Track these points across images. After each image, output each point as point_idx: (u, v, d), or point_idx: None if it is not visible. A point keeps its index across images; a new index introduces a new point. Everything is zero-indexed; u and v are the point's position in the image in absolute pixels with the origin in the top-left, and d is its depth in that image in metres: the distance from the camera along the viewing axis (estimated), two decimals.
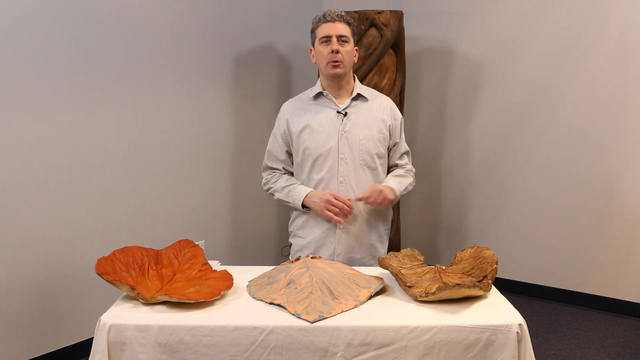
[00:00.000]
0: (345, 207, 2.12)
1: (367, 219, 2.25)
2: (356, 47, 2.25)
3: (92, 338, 1.61)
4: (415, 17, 3.93)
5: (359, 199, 2.15)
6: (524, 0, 3.60)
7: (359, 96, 2.25)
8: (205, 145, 3.42)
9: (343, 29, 2.17)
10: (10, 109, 2.56)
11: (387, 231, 2.36)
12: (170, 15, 3.14)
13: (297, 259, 1.91)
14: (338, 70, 2.17)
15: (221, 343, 1.55)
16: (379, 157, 2.25)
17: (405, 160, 2.37)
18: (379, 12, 3.31)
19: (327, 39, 2.16)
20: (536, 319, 3.46)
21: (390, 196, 2.16)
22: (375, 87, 3.35)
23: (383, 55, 3.34)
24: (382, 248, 2.34)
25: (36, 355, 2.76)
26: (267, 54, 3.75)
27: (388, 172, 2.35)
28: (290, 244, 2.38)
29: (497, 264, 1.75)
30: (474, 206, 3.96)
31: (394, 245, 3.55)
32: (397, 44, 3.38)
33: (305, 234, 2.28)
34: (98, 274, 1.70)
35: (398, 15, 3.35)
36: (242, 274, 1.92)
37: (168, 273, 1.85)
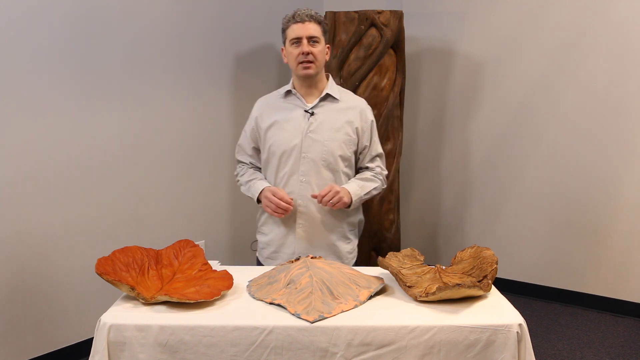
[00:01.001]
0: (281, 204, 2.11)
1: (322, 220, 2.24)
2: (328, 45, 2.24)
3: (92, 338, 1.61)
4: (415, 17, 3.93)
5: (314, 196, 2.14)
6: (524, 1, 3.60)
7: (328, 96, 2.23)
8: (205, 145, 3.42)
9: (313, 29, 2.15)
10: (10, 109, 2.56)
11: (353, 231, 2.35)
12: (170, 15, 3.14)
13: (297, 259, 1.91)
14: (310, 72, 2.17)
15: (221, 343, 1.55)
16: (343, 159, 2.22)
17: (377, 163, 2.34)
18: (379, 12, 3.31)
19: (297, 40, 2.15)
20: (536, 319, 3.46)
21: (345, 199, 2.15)
22: (375, 87, 3.36)
23: (383, 55, 3.34)
24: (348, 246, 2.32)
25: (36, 355, 2.76)
26: (267, 54, 3.75)
27: (357, 173, 2.33)
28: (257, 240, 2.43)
29: (497, 264, 1.75)
30: (474, 206, 3.96)
31: (394, 245, 3.55)
32: (397, 44, 3.38)
33: (267, 230, 2.32)
34: (98, 274, 1.70)
35: (398, 15, 3.35)
36: (242, 274, 1.92)
37: (168, 273, 1.85)
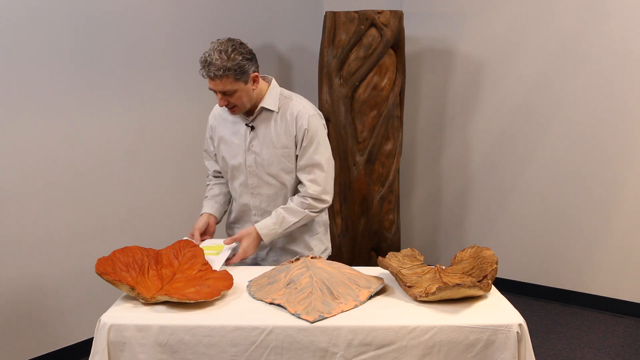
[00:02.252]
0: (193, 239, 2.15)
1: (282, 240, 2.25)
2: (254, 74, 2.04)
3: (92, 338, 1.61)
4: (415, 17, 3.93)
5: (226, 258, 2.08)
6: (524, 0, 3.60)
7: (263, 109, 2.13)
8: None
9: (225, 84, 1.98)
10: (9, 109, 2.56)
11: (316, 235, 2.30)
12: (170, 15, 3.14)
13: (297, 259, 1.90)
14: (236, 114, 2.11)
15: (221, 343, 1.55)
16: (286, 172, 2.14)
17: (312, 176, 2.12)
18: (379, 12, 3.31)
19: (214, 92, 2.05)
20: (536, 319, 3.46)
21: (252, 248, 2.10)
22: (375, 87, 3.36)
23: (383, 55, 3.34)
24: (319, 240, 2.30)
25: (36, 355, 2.76)
26: (267, 54, 3.75)
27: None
28: None
29: (497, 264, 1.75)
30: (474, 206, 3.96)
31: (394, 245, 3.55)
32: (397, 44, 3.38)
33: (233, 233, 2.32)
34: (98, 274, 1.70)
35: (398, 15, 3.35)
36: (242, 274, 1.92)
37: (168, 273, 1.85)
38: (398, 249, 3.50)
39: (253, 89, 2.07)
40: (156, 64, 3.10)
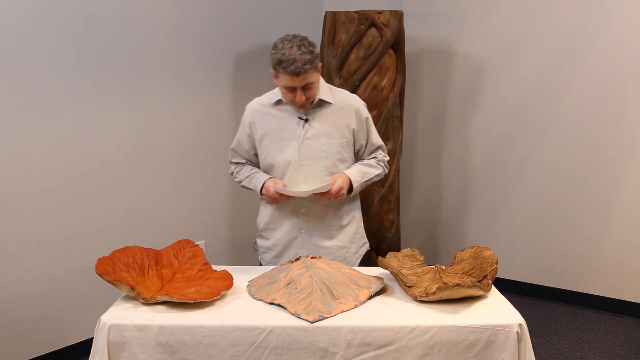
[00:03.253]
0: (275, 197, 2.11)
1: (324, 225, 2.23)
2: (318, 69, 2.09)
3: (92, 338, 1.61)
4: (415, 17, 3.93)
5: (316, 195, 2.11)
6: (524, 0, 3.60)
7: (321, 102, 2.17)
8: (205, 145, 3.42)
9: (308, 77, 2.00)
10: (10, 109, 2.56)
11: (352, 223, 2.32)
12: (170, 15, 3.14)
13: (297, 259, 1.91)
14: (305, 107, 2.14)
15: (221, 343, 1.55)
16: (342, 161, 2.20)
17: (378, 153, 2.32)
18: (379, 12, 3.31)
19: (291, 89, 2.05)
20: (536, 319, 3.46)
21: (344, 190, 2.12)
22: (375, 87, 3.36)
23: (383, 55, 3.34)
24: (352, 246, 2.31)
25: (36, 355, 2.76)
26: (267, 54, 3.73)
27: None
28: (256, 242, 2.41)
29: (497, 264, 1.75)
30: (474, 206, 3.96)
31: (394, 245, 3.55)
32: (397, 44, 3.38)
33: (268, 235, 2.30)
34: (98, 274, 1.70)
35: (398, 15, 3.35)
36: (242, 274, 1.92)
37: (168, 273, 1.85)
38: (398, 249, 3.50)
39: (319, 79, 2.14)
40: (157, 64, 3.10)
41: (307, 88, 2.05)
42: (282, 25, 3.80)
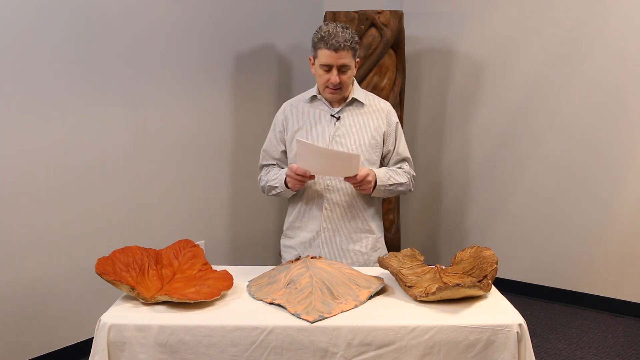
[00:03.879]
0: (298, 176, 2.06)
1: (347, 225, 2.20)
2: (357, 59, 2.17)
3: (92, 338, 1.61)
4: (415, 17, 3.93)
5: (347, 180, 2.09)
6: (524, 0, 3.60)
7: (354, 101, 2.21)
8: (205, 145, 3.42)
9: (346, 57, 2.06)
10: (10, 108, 2.56)
11: (377, 228, 2.31)
12: (170, 15, 3.14)
13: (297, 259, 1.91)
14: (336, 97, 2.16)
15: (221, 343, 1.55)
16: (370, 163, 2.19)
17: (404, 167, 2.28)
18: (379, 12, 3.31)
19: (327, 69, 2.09)
20: (536, 319, 3.46)
21: (370, 182, 2.10)
22: (375, 87, 3.35)
23: (383, 55, 3.34)
24: (375, 254, 2.29)
25: (36, 355, 2.76)
26: (267, 54, 3.75)
27: None
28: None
29: (497, 264, 1.75)
30: (474, 206, 3.96)
31: (394, 245, 3.55)
32: (397, 44, 3.38)
33: (292, 234, 2.29)
34: (98, 274, 1.70)
35: (398, 15, 3.35)
36: (242, 274, 1.92)
37: (168, 273, 1.85)
38: (398, 249, 3.50)
39: (354, 74, 2.16)
40: (157, 64, 3.10)
41: (343, 70, 2.09)
42: (282, 25, 3.80)
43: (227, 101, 3.52)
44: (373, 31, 3.32)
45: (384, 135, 2.23)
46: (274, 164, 2.30)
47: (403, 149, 2.29)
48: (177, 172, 3.28)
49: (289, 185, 2.13)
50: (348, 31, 2.07)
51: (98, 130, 2.88)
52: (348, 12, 3.33)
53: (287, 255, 2.32)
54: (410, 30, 3.84)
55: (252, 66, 3.65)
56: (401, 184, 2.21)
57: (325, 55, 2.06)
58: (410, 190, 2.28)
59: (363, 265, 2.25)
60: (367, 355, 1.55)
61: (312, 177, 2.08)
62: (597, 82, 3.42)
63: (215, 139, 3.47)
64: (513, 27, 3.66)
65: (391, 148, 2.26)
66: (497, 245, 3.81)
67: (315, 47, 2.11)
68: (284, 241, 2.35)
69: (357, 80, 3.46)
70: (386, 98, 3.39)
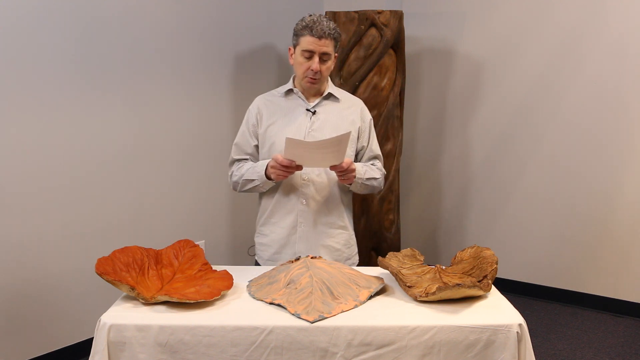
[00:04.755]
0: (284, 166, 2.04)
1: (322, 220, 2.21)
2: (336, 54, 2.20)
3: (92, 338, 1.61)
4: (415, 17, 3.93)
5: (333, 168, 2.07)
6: (524, 1, 3.60)
7: (330, 95, 2.23)
8: (205, 145, 3.42)
9: (329, 46, 2.10)
10: (10, 108, 2.56)
11: (349, 226, 2.31)
12: (170, 15, 3.14)
13: (297, 259, 1.90)
14: (315, 86, 2.17)
15: (221, 343, 1.55)
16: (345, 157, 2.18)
17: (377, 164, 2.30)
18: (379, 12, 3.31)
19: (309, 55, 2.11)
20: (536, 319, 3.46)
21: (354, 170, 2.10)
22: (375, 87, 3.36)
23: (383, 55, 3.34)
24: (347, 250, 2.29)
25: (36, 355, 2.76)
26: (267, 54, 3.75)
27: None
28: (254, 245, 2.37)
29: (497, 264, 1.75)
30: (474, 206, 3.96)
31: (394, 245, 3.55)
32: (397, 44, 3.38)
33: (267, 231, 2.27)
34: (98, 274, 1.70)
35: (398, 15, 3.35)
36: (242, 274, 1.92)
37: (168, 273, 1.85)
38: (398, 249, 3.50)
39: (331, 69, 2.19)
40: (157, 64, 3.10)
41: (324, 59, 2.12)
42: (282, 25, 3.80)
43: (227, 101, 3.52)
44: (373, 31, 3.32)
45: (358, 130, 2.24)
46: (246, 159, 2.28)
47: (376, 147, 2.32)
48: (177, 172, 3.28)
49: (273, 176, 2.09)
50: (331, 22, 2.12)
51: (98, 130, 2.88)
52: (348, 12, 3.33)
53: (262, 253, 2.29)
54: (410, 30, 3.84)
55: (252, 66, 3.65)
56: (375, 179, 2.24)
57: (308, 42, 2.09)
58: (381, 188, 2.31)
59: (336, 261, 2.24)
60: (367, 355, 1.55)
61: (299, 167, 2.06)
62: (597, 82, 3.42)
63: (215, 139, 3.47)
64: (513, 27, 3.66)
65: (365, 144, 2.28)
66: (497, 245, 3.82)
67: (298, 34, 2.13)
68: (258, 239, 2.32)
69: (357, 80, 3.47)
70: (386, 98, 3.39)
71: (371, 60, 3.33)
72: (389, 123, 3.42)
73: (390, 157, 3.47)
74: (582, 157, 3.53)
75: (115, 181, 2.98)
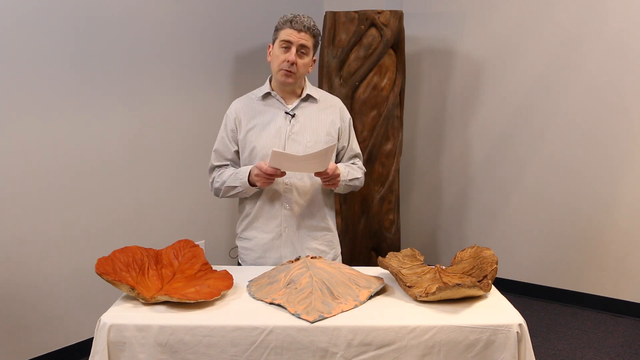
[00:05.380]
0: (270, 172, 2.03)
1: (306, 224, 2.20)
2: (314, 58, 2.19)
3: (92, 338, 1.61)
4: (415, 17, 3.93)
5: (318, 175, 2.07)
6: (524, 0, 3.60)
7: (308, 97, 2.21)
8: (205, 145, 3.41)
9: (307, 40, 2.10)
10: (10, 109, 2.56)
11: (332, 225, 2.31)
12: (170, 15, 3.14)
13: (297, 259, 1.90)
14: (289, 80, 2.14)
15: (221, 343, 1.55)
16: None
17: (357, 163, 2.31)
18: (379, 12, 3.31)
19: (287, 45, 2.10)
20: (536, 319, 3.46)
21: (339, 175, 2.11)
22: (375, 87, 3.36)
23: (383, 55, 3.34)
24: (331, 252, 2.28)
25: (36, 355, 2.76)
26: (267, 54, 3.74)
27: None
28: (237, 246, 2.34)
29: (497, 264, 1.75)
30: (474, 206, 3.96)
31: (394, 245, 3.55)
32: (397, 44, 3.38)
33: (250, 236, 2.24)
34: (98, 274, 1.70)
35: (398, 15, 3.35)
36: (242, 274, 1.92)
37: (168, 273, 1.85)
38: (398, 249, 3.50)
39: (308, 71, 2.18)
40: (156, 64, 3.11)
41: (302, 52, 2.11)
42: None
43: (227, 101, 3.52)
44: (373, 31, 3.32)
45: (338, 131, 2.22)
46: (226, 164, 2.26)
47: (356, 145, 2.32)
48: (177, 172, 3.28)
49: (258, 184, 2.08)
50: (312, 20, 2.13)
51: (98, 130, 2.88)
52: (348, 12, 3.33)
53: (246, 257, 2.26)
54: (410, 30, 3.84)
55: (252, 66, 3.65)
56: (357, 179, 2.25)
57: (287, 33, 2.10)
58: (361, 186, 2.32)
59: None
60: (367, 355, 1.55)
61: (282, 173, 2.06)
62: (597, 82, 3.42)
63: (215, 139, 3.46)
64: (513, 27, 3.66)
65: (345, 144, 2.27)
66: (497, 245, 3.82)
67: (278, 29, 2.14)
68: (241, 243, 2.29)
69: (357, 80, 3.47)
70: (386, 98, 3.39)
71: (371, 60, 3.33)
72: (389, 123, 3.42)
73: (390, 157, 3.47)
74: (582, 157, 3.52)
75: (115, 181, 2.98)
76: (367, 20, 3.29)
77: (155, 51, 3.09)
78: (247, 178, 2.12)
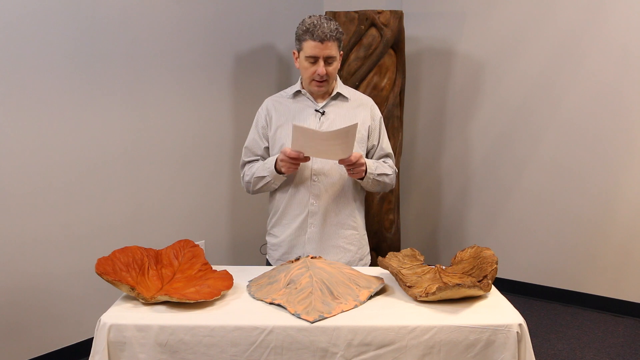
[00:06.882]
0: (292, 159, 2.02)
1: (333, 220, 2.20)
2: (341, 52, 2.17)
3: (92, 338, 1.61)
4: (415, 17, 3.93)
5: (342, 162, 2.05)
6: (524, 0, 3.60)
7: (338, 95, 2.22)
8: (205, 145, 3.42)
9: (332, 48, 2.07)
10: (10, 109, 2.56)
11: (360, 227, 2.30)
12: (170, 15, 3.14)
13: (297, 259, 1.91)
14: (322, 89, 2.16)
15: (221, 343, 1.55)
16: None
17: (388, 162, 2.29)
18: (379, 12, 3.31)
19: (314, 59, 2.09)
20: (536, 319, 3.46)
21: (363, 164, 2.08)
22: (375, 87, 3.36)
23: (383, 55, 3.34)
24: (359, 251, 2.28)
25: (36, 355, 2.76)
26: (267, 54, 3.75)
27: None
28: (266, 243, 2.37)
29: (497, 264, 1.75)
30: (474, 206, 3.96)
31: (394, 245, 3.55)
32: (397, 44, 3.38)
33: (278, 232, 2.27)
34: (98, 274, 1.70)
35: (398, 15, 3.35)
36: (242, 274, 1.92)
37: (168, 273, 1.85)
38: (398, 249, 3.50)
39: (338, 65, 2.16)
40: (156, 64, 3.10)
41: (328, 62, 2.10)
42: (282, 25, 3.80)
43: (227, 101, 3.52)
44: (373, 31, 3.32)
45: (369, 129, 2.22)
46: (257, 159, 2.28)
47: (387, 145, 2.30)
48: (177, 172, 3.28)
49: (284, 169, 2.08)
50: (332, 22, 2.08)
51: (98, 130, 2.88)
52: (348, 12, 3.33)
53: (274, 253, 2.30)
54: (410, 30, 3.84)
55: (252, 66, 3.65)
56: (387, 175, 2.22)
57: (311, 47, 2.07)
58: (393, 185, 2.28)
59: (348, 262, 2.24)
60: (367, 355, 1.55)
61: (306, 158, 2.05)
62: (597, 82, 3.42)
63: (215, 139, 3.47)
64: (513, 27, 3.66)
65: (375, 143, 2.26)
66: (497, 245, 3.82)
67: (300, 39, 2.11)
68: (270, 239, 2.33)
69: (357, 80, 3.47)
70: (386, 98, 3.39)
71: (371, 60, 3.33)
72: (389, 123, 3.42)
73: None
74: (582, 157, 3.52)
75: (116, 181, 2.98)
76: (367, 20, 3.29)
77: (156, 51, 3.09)
78: (274, 166, 2.13)
